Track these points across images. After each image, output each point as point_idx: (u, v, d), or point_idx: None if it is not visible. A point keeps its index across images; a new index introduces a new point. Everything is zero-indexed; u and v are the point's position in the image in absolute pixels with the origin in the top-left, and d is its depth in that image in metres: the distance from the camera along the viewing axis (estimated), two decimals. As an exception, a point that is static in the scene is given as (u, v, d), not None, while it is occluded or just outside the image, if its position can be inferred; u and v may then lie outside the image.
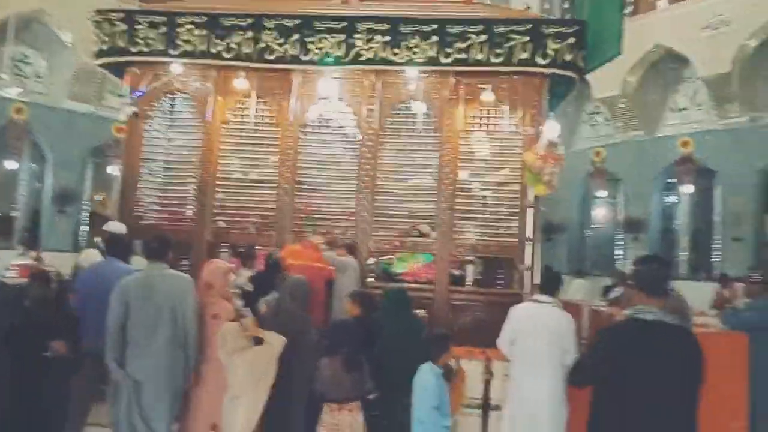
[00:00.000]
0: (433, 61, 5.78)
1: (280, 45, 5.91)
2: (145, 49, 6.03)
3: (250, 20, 5.92)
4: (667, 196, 14.70)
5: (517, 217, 5.87)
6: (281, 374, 3.53)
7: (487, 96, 5.91)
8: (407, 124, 6.14)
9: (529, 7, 7.85)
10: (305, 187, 6.18)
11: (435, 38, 5.75)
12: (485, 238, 5.94)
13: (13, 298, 4.37)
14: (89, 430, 4.23)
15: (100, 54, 6.17)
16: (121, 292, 3.62)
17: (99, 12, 6.17)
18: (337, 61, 5.87)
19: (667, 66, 13.67)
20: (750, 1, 11.50)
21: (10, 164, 12.67)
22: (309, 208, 6.14)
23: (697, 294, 7.67)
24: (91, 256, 5.23)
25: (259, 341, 3.56)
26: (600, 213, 16.00)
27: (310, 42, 5.86)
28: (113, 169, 11.19)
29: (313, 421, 3.53)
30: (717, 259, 12.76)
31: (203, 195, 6.11)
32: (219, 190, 6.17)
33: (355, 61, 5.86)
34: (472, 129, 6.11)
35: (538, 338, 3.77)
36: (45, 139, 13.59)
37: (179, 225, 6.17)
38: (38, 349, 3.60)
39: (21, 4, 12.37)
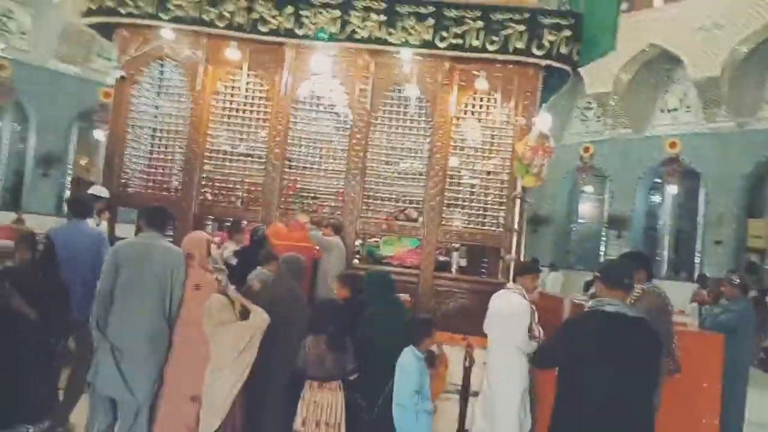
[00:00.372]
0: (428, 44, 5.71)
1: (274, 17, 5.79)
2: (135, 12, 5.85)
3: (244, -11, 5.78)
4: (653, 195, 14.89)
5: (504, 207, 5.87)
6: (266, 350, 3.52)
7: (481, 83, 5.86)
8: (399, 107, 6.08)
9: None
10: (294, 164, 6.11)
11: (431, 20, 5.68)
12: (472, 226, 5.94)
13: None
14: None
15: (89, 13, 5.99)
16: (114, 256, 3.61)
17: (89, -29, 5.99)
18: (332, 38, 5.77)
19: (660, 65, 13.75)
20: (744, 6, 11.55)
21: (-8, 123, 12.38)
22: (297, 186, 6.08)
23: (677, 294, 7.80)
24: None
25: (245, 315, 3.53)
26: (586, 208, 16.17)
27: (305, 16, 5.75)
28: (99, 134, 10.97)
29: (294, 397, 3.53)
30: (698, 260, 12.98)
31: (190, 166, 6.02)
32: (207, 162, 6.07)
33: (350, 38, 5.77)
34: (464, 116, 6.07)
35: (494, 322, 4.05)
36: (29, 99, 13.30)
37: (165, 195, 6.07)
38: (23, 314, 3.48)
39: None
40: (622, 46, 13.21)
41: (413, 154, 6.16)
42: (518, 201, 5.69)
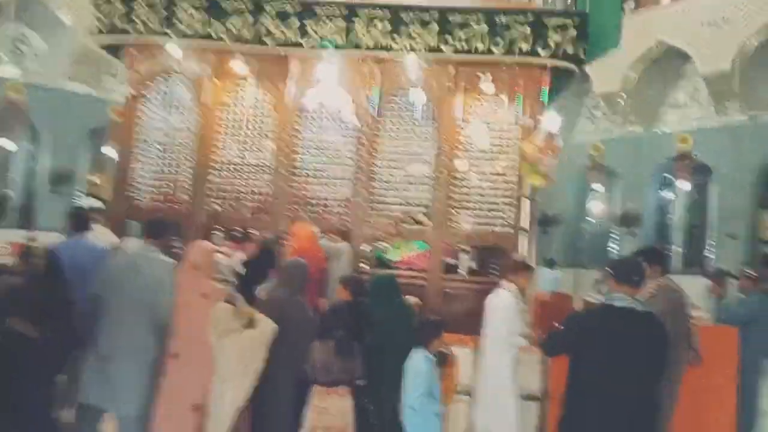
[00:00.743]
0: (433, 49, 5.76)
1: (279, 29, 5.87)
2: (143, 30, 5.98)
3: (249, 4, 5.87)
4: (664, 191, 14.73)
5: (513, 208, 5.86)
6: (271, 358, 3.53)
7: (487, 86, 5.87)
8: (406, 112, 6.11)
9: (529, -1, 7.79)
10: (301, 172, 6.15)
11: (436, 26, 5.72)
12: (481, 227, 5.93)
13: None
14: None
15: (99, 33, 6.11)
16: (105, 269, 3.64)
17: (96, -10, 6.12)
18: (337, 47, 5.83)
19: (668, 62, 13.63)
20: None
21: (7, 144, 12.58)
22: (304, 194, 6.11)
23: (690, 288, 7.70)
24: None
25: (250, 324, 3.54)
26: (596, 207, 16.03)
27: (309, 27, 5.83)
28: (110, 151, 11.13)
29: (301, 403, 3.53)
30: (711, 255, 12.81)
31: (199, 178, 6.10)
32: (214, 173, 6.14)
33: (355, 46, 5.84)
34: (470, 119, 6.08)
35: (485, 321, 4.18)
36: (42, 120, 13.51)
37: (174, 207, 6.15)
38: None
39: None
40: (629, 45, 13.14)
41: (420, 158, 6.17)
42: (527, 201, 5.68)
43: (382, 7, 5.80)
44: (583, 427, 2.88)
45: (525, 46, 5.70)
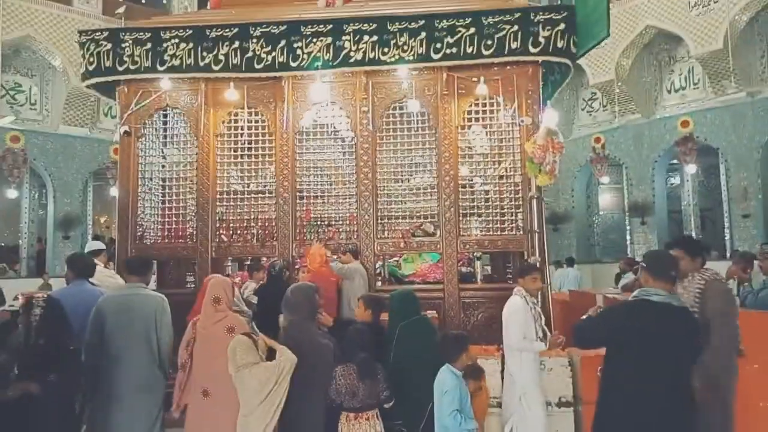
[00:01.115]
0: (423, 57, 5.69)
1: (268, 53, 5.82)
2: (133, 67, 5.95)
3: (235, 30, 5.84)
4: (671, 177, 14.60)
5: (521, 210, 5.77)
6: (292, 386, 3.44)
7: (481, 89, 5.81)
8: (403, 124, 6.05)
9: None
10: (305, 194, 6.10)
11: (423, 34, 5.65)
12: (491, 233, 5.84)
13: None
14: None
15: (88, 75, 6.09)
16: (98, 309, 3.74)
17: (83, 33, 6.12)
18: (327, 65, 5.78)
19: (660, 47, 13.58)
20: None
21: (11, 193, 12.65)
22: (311, 215, 6.05)
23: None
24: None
25: (271, 355, 3.46)
26: (605, 199, 15.90)
27: (297, 47, 5.78)
28: (114, 191, 11.17)
29: (333, 429, 3.44)
30: (727, 237, 12.63)
31: (203, 210, 6.04)
32: (218, 204, 6.09)
33: (345, 63, 5.77)
34: (468, 123, 6.02)
35: (503, 327, 4.10)
36: (43, 166, 13.63)
37: (181, 242, 6.09)
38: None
39: (8, 32, 12.37)
40: (619, 33, 13.09)
41: (422, 168, 6.11)
42: (535, 201, 5.59)
43: (368, 20, 5.74)
44: (618, 422, 2.85)
45: (515, 45, 5.62)
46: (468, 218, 5.92)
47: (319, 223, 6.06)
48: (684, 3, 12.37)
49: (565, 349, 4.52)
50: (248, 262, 6.46)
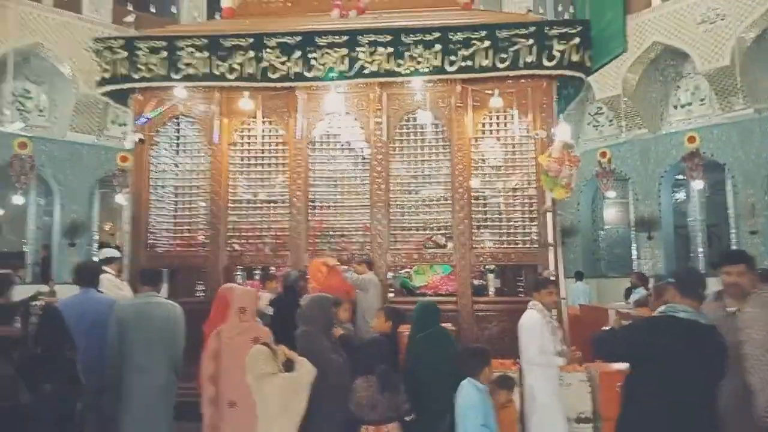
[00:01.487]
0: (438, 69, 5.70)
1: (283, 63, 5.84)
2: (147, 75, 5.96)
3: (251, 40, 5.86)
4: (677, 192, 14.58)
5: (535, 223, 5.75)
6: (311, 399, 3.40)
7: (495, 102, 5.82)
8: (416, 135, 6.06)
9: (530, 11, 7.78)
10: (318, 204, 6.08)
11: (438, 46, 5.67)
12: (504, 245, 5.82)
13: None
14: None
15: (102, 83, 6.10)
16: (117, 318, 3.86)
17: (98, 40, 6.14)
18: (341, 76, 5.79)
19: (667, 63, 13.63)
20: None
21: (18, 200, 12.64)
22: (323, 226, 6.03)
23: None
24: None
25: (289, 366, 3.42)
26: (611, 214, 15.86)
27: (312, 58, 5.79)
28: (120, 199, 11.16)
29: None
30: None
31: (215, 219, 6.02)
32: (231, 213, 6.07)
33: (359, 74, 5.78)
34: (482, 136, 6.02)
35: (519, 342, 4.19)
36: (50, 173, 13.62)
37: (193, 251, 6.07)
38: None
39: (19, 40, 12.42)
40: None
41: (435, 180, 6.10)
42: (549, 215, 5.57)
43: (383, 32, 5.77)
44: None
45: (530, 59, 5.63)
46: (481, 231, 5.90)
47: (331, 233, 6.04)
48: (691, 19, 12.44)
49: (582, 364, 4.48)
50: (257, 271, 6.43)
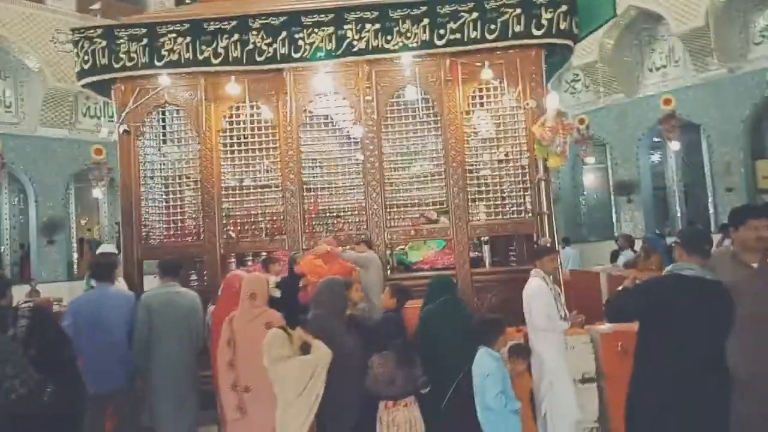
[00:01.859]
0: (426, 44, 5.67)
1: (269, 44, 5.74)
2: (129, 64, 5.80)
3: (234, 22, 5.73)
4: (655, 154, 14.86)
5: (528, 193, 5.82)
6: (328, 380, 3.44)
7: (485, 74, 5.81)
8: (407, 111, 6.03)
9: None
10: (311, 186, 6.05)
11: (426, 21, 5.63)
12: (500, 217, 5.88)
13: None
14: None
15: (82, 74, 5.92)
16: (145, 307, 4.10)
17: (76, 30, 5.93)
18: (329, 55, 5.72)
19: (642, 26, 13.76)
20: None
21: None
22: (318, 207, 6.00)
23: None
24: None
25: (306, 350, 3.45)
26: (590, 179, 16.12)
27: (299, 38, 5.70)
28: (97, 193, 10.90)
29: (372, 420, 3.45)
30: (712, 211, 12.94)
31: (208, 207, 5.94)
32: (224, 200, 6.00)
33: (348, 52, 5.71)
34: (473, 108, 6.02)
35: (525, 310, 4.22)
36: (22, 170, 13.23)
37: (188, 240, 6.00)
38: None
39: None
40: (601, 14, 13.10)
41: (428, 155, 6.10)
42: (543, 183, 5.64)
43: (370, 8, 5.69)
44: (652, 395, 2.86)
45: (518, 29, 5.63)
46: (476, 203, 5.95)
47: (327, 215, 6.02)
48: (664, -18, 12.54)
49: (584, 326, 4.61)
50: (248, 258, 6.39)
